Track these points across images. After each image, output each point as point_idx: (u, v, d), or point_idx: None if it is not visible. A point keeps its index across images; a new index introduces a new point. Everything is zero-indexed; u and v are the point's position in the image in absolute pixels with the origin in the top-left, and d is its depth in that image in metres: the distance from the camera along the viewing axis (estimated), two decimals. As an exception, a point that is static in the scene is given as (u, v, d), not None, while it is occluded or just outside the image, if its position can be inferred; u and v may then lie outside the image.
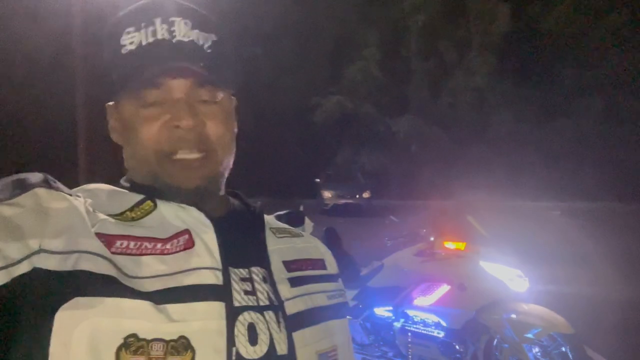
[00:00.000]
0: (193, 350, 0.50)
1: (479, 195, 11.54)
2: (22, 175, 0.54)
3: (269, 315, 0.57)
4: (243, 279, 0.58)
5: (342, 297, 0.72)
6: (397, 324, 3.26)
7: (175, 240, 0.57)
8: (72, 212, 0.52)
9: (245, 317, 0.55)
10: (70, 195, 0.55)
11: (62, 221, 0.51)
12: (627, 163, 15.92)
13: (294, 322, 0.59)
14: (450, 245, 3.35)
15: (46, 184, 0.54)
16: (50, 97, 10.24)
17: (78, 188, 0.61)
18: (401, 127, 18.79)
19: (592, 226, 9.87)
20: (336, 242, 3.63)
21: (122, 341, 0.47)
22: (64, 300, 0.47)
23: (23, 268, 0.47)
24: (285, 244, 0.69)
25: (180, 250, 0.56)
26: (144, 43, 0.59)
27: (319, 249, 0.76)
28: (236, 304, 0.55)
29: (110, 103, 0.67)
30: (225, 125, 0.64)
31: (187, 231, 0.58)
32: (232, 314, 0.54)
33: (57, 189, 0.54)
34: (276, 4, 17.17)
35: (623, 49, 17.80)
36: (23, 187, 0.52)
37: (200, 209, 0.61)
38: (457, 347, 3.06)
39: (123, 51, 0.60)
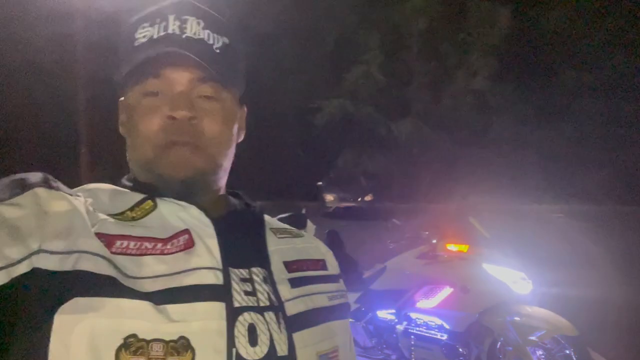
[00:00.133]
0: (193, 351, 0.49)
1: (481, 197, 11.52)
2: (22, 175, 0.54)
3: (269, 315, 0.57)
4: (243, 280, 0.57)
5: (344, 298, 0.72)
6: (400, 327, 3.25)
7: (175, 240, 0.57)
8: (72, 212, 0.52)
9: (246, 318, 0.54)
10: (71, 195, 0.55)
11: (62, 221, 0.51)
12: (629, 165, 15.89)
13: (295, 323, 0.59)
14: (452, 247, 3.34)
15: (46, 184, 0.53)
16: (52, 99, 10.28)
17: (78, 188, 0.61)
18: (403, 129, 18.76)
19: (595, 228, 9.84)
20: (338, 245, 3.64)
21: (121, 341, 0.47)
22: (63, 301, 0.47)
23: (23, 268, 0.47)
24: (285, 244, 0.69)
25: (180, 250, 0.56)
26: (155, 36, 0.61)
27: (319, 249, 0.75)
28: (236, 304, 0.55)
29: (122, 99, 0.68)
30: (223, 125, 0.64)
31: (187, 231, 0.58)
32: (232, 314, 0.54)
33: (57, 189, 0.54)
34: (277, 7, 17.22)
35: (624, 51, 17.80)
36: (23, 187, 0.52)
37: (200, 208, 0.61)
38: (460, 350, 3.05)
39: (135, 44, 0.62)
